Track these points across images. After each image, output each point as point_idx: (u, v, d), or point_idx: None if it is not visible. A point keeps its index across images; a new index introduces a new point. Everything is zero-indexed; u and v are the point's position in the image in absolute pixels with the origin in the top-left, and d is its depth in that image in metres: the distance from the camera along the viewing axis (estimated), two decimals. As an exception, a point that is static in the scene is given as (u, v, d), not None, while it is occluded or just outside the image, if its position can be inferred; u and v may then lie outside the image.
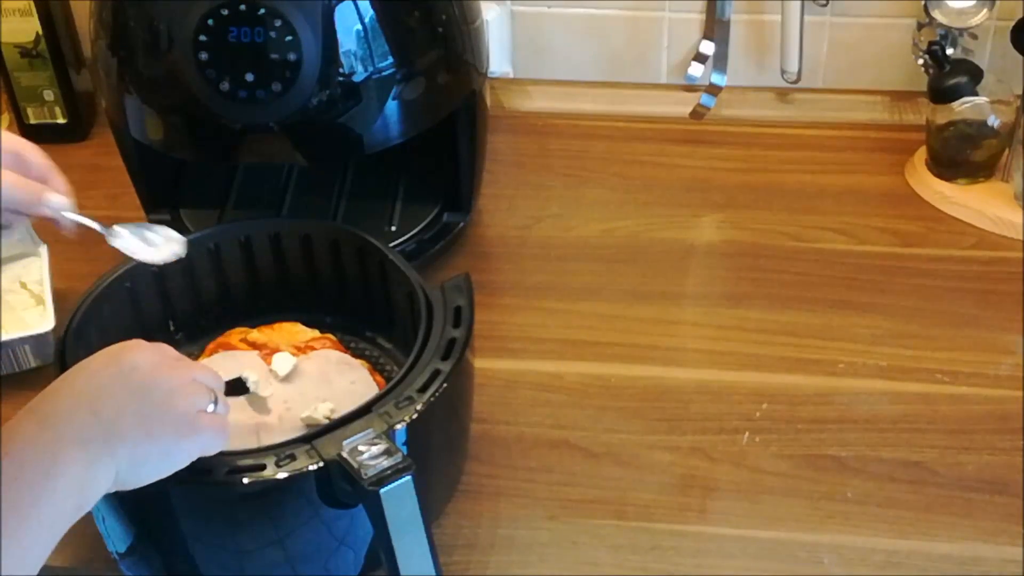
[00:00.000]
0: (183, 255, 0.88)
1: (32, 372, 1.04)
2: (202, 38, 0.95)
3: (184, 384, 0.71)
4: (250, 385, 0.87)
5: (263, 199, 1.20)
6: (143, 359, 0.71)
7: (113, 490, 0.68)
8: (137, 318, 0.97)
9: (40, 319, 1.04)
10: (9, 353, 1.02)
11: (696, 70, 1.33)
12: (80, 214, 0.83)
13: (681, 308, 1.11)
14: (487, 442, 0.97)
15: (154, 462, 0.69)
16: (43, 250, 1.09)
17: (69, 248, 1.13)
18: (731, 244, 1.17)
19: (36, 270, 1.09)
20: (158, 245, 0.87)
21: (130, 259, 0.94)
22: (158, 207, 1.16)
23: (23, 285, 1.08)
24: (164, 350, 0.73)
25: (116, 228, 0.86)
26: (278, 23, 0.95)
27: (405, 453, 0.74)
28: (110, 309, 0.93)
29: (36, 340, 1.02)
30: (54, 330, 1.02)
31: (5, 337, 1.01)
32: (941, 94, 1.18)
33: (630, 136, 1.31)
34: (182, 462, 0.70)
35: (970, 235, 1.17)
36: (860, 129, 1.31)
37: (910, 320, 1.07)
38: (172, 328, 1.00)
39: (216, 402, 0.73)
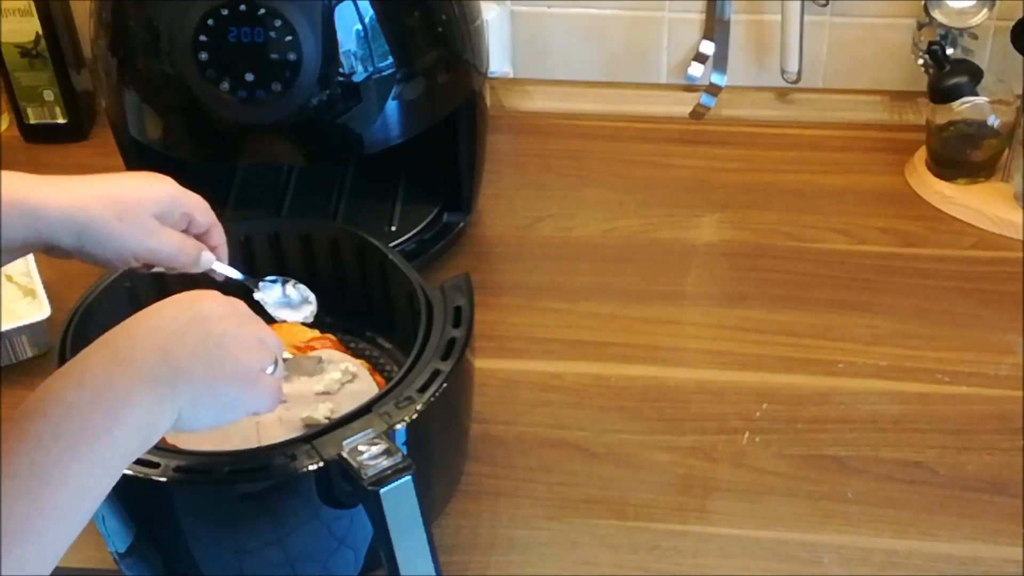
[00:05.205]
0: (311, 320, 0.92)
1: (30, 362, 1.04)
2: (202, 38, 0.95)
3: (251, 341, 0.73)
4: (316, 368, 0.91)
5: (263, 199, 1.20)
6: (217, 309, 0.73)
7: (171, 431, 0.70)
8: (137, 318, 0.97)
9: (33, 309, 1.05)
10: (7, 344, 1.02)
11: (696, 70, 1.33)
12: (228, 267, 0.88)
13: (681, 308, 1.11)
14: (487, 442, 0.97)
15: (213, 409, 0.71)
16: None
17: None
18: (731, 244, 1.17)
19: (21, 262, 1.09)
20: (295, 303, 0.92)
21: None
22: (158, 207, 1.16)
23: (9, 278, 1.09)
24: (236, 304, 0.75)
25: (262, 284, 0.91)
26: (278, 23, 0.95)
27: (405, 453, 0.74)
28: (110, 308, 0.93)
29: (32, 329, 1.03)
30: (50, 320, 1.03)
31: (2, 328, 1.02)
32: (941, 94, 1.18)
33: (630, 136, 1.31)
34: (238, 415, 0.72)
35: (970, 235, 1.17)
36: (860, 129, 1.31)
37: (910, 320, 1.07)
38: (172, 328, 1.00)
39: (276, 365, 0.75)
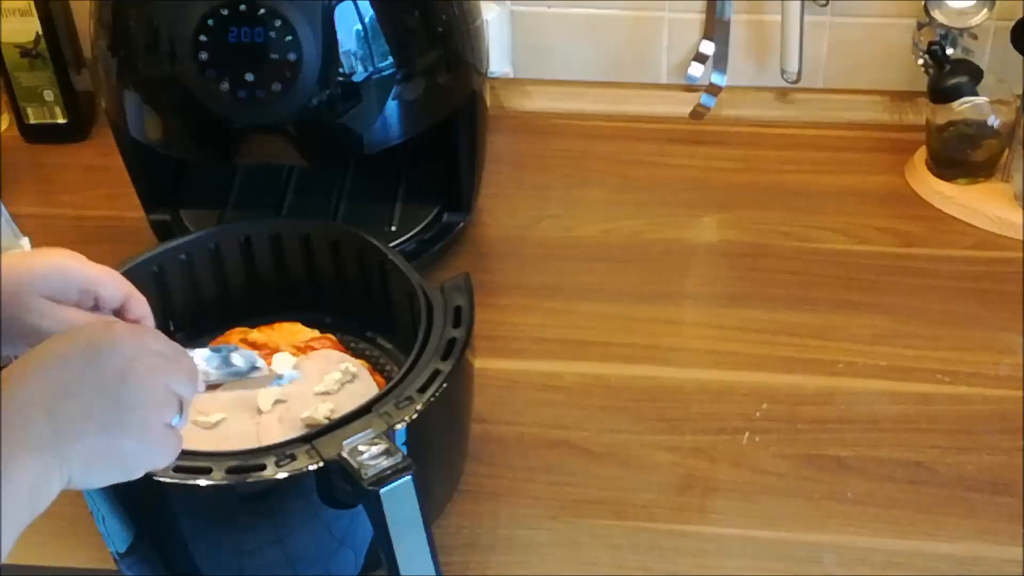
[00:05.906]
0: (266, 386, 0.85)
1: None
2: (202, 38, 0.95)
3: (157, 391, 0.66)
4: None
5: (263, 199, 1.20)
6: (120, 352, 0.65)
7: (65, 488, 0.63)
8: (137, 318, 0.97)
9: None
10: None
11: (696, 70, 1.33)
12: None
13: (681, 308, 1.11)
14: (487, 442, 0.97)
15: (108, 472, 0.65)
16: (24, 242, 1.09)
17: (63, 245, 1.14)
18: (731, 244, 1.17)
19: None
20: (243, 371, 0.80)
21: (130, 260, 0.95)
22: (158, 207, 1.16)
23: None
24: (143, 340, 0.67)
25: (202, 353, 0.79)
26: (278, 23, 0.95)
27: (405, 453, 0.75)
28: (110, 309, 0.93)
29: None
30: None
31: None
32: (941, 94, 1.18)
33: (630, 136, 1.31)
34: (135, 474, 0.66)
35: (970, 235, 1.17)
36: (860, 129, 1.31)
37: (910, 320, 1.07)
38: (172, 328, 1.00)
39: (181, 412, 0.68)
